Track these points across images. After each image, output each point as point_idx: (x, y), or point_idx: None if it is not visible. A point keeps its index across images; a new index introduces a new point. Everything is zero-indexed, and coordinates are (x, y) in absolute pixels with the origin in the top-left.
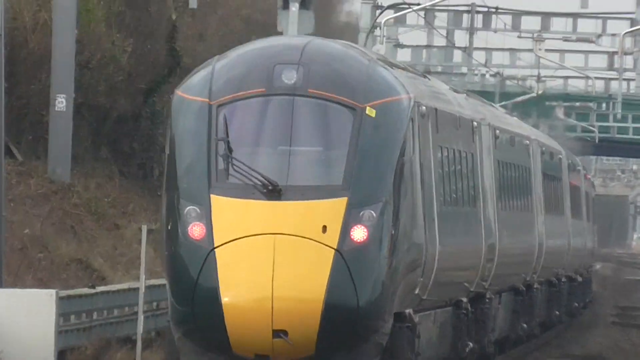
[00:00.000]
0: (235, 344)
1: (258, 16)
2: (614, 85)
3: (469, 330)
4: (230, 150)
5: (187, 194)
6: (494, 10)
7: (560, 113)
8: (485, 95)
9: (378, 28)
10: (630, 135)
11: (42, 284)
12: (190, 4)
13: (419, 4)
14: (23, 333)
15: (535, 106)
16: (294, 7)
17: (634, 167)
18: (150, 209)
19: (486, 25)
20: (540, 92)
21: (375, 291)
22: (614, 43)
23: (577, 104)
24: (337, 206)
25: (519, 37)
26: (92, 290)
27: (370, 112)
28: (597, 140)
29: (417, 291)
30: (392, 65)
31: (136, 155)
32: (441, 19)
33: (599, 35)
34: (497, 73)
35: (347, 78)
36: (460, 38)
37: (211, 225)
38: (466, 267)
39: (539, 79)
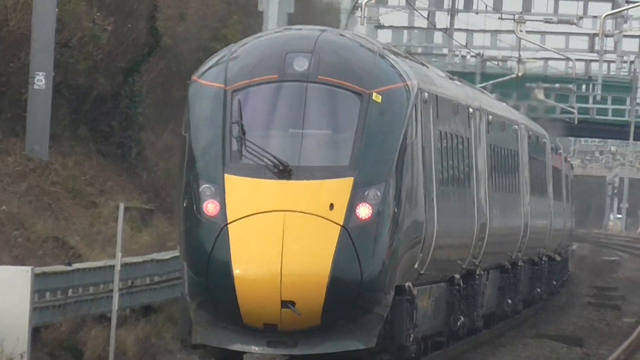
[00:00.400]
0: (246, 314)
1: None
2: (595, 67)
3: (460, 304)
4: (243, 132)
5: (203, 173)
6: None
7: (540, 94)
8: (466, 76)
9: (359, 9)
10: (610, 117)
11: (18, 261)
12: None
13: None
14: None
15: (515, 87)
16: None
17: (613, 148)
18: (128, 188)
19: (467, 7)
20: (520, 73)
21: (378, 265)
22: (594, 25)
23: (557, 85)
24: (343, 185)
25: (500, 18)
26: (68, 268)
27: (377, 97)
28: (576, 122)
29: (416, 266)
30: (397, 54)
31: (115, 134)
32: (422, 0)
33: (580, 17)
34: (478, 54)
35: (354, 66)
36: (442, 19)
37: (225, 202)
38: (460, 245)
39: (519, 60)
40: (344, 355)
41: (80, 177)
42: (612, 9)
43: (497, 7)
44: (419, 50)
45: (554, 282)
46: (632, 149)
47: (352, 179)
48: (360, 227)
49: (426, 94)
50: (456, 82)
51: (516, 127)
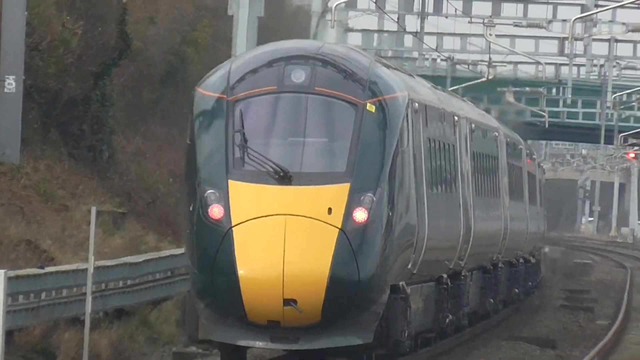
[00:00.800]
0: (250, 312)
1: None
2: (564, 70)
3: (448, 303)
4: (245, 140)
5: (207, 179)
6: None
7: (510, 98)
8: (437, 79)
9: (329, 12)
10: (580, 120)
11: None
12: None
13: None
14: None
15: (485, 91)
16: None
17: (584, 151)
18: (100, 191)
19: (437, 10)
20: (491, 77)
21: (374, 266)
22: (564, 29)
23: (527, 89)
24: (341, 191)
25: (470, 22)
26: (41, 271)
27: (371, 108)
28: (547, 125)
29: (409, 266)
30: (388, 66)
31: (86, 137)
32: (392, 4)
33: (550, 21)
34: (448, 58)
35: (349, 78)
36: (411, 23)
37: (229, 206)
38: (448, 247)
39: (489, 64)
40: (342, 350)
41: (51, 181)
42: (582, 12)
43: (467, 11)
44: (389, 53)
45: (530, 283)
46: (603, 152)
47: (348, 184)
48: (357, 230)
49: (416, 104)
50: (441, 91)
51: (496, 134)
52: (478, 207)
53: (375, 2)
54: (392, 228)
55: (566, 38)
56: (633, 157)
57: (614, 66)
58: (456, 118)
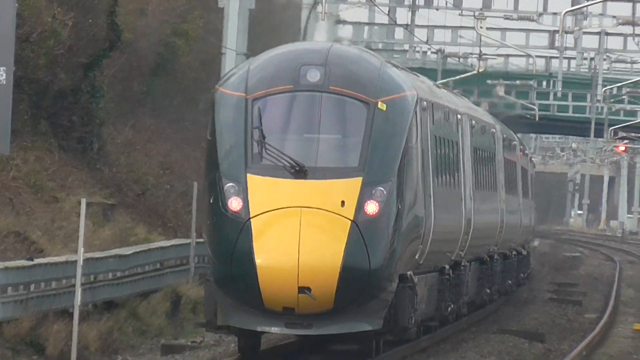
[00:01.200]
0: (267, 299)
1: None
2: (555, 63)
3: (449, 293)
4: (263, 136)
5: (227, 173)
6: None
7: (500, 91)
8: (427, 72)
9: (320, 4)
10: (570, 114)
11: None
12: None
13: None
14: None
15: (476, 84)
16: None
17: (574, 145)
18: (89, 183)
19: (428, 3)
20: (481, 70)
21: (384, 256)
22: (555, 22)
23: (518, 82)
24: (353, 184)
25: (461, 14)
26: (30, 263)
27: (382, 106)
28: (537, 118)
29: (416, 257)
30: (396, 66)
31: (76, 129)
32: None
33: (540, 14)
34: (439, 51)
35: (361, 77)
36: (402, 15)
37: (247, 199)
38: (451, 238)
39: (480, 56)
40: (353, 336)
41: (41, 172)
42: (572, 5)
43: (458, 4)
44: (380, 46)
45: (521, 275)
46: (592, 146)
47: (360, 178)
48: (369, 222)
49: (424, 102)
50: (444, 90)
51: (494, 130)
52: (477, 200)
53: None
54: (402, 220)
55: (557, 31)
56: (623, 151)
57: (605, 59)
58: (459, 116)
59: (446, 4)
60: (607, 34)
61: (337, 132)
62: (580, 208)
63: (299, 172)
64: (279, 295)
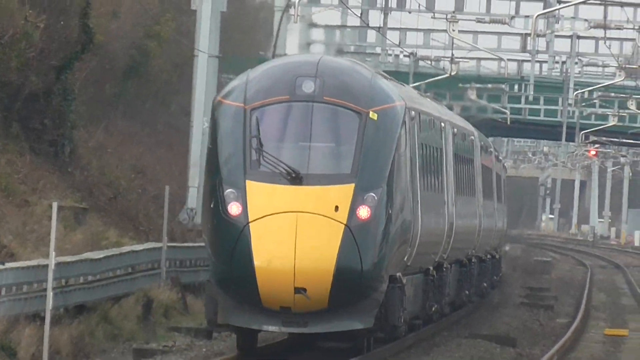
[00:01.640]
0: (265, 298)
1: None
2: (527, 67)
3: (433, 293)
4: (261, 145)
5: (227, 179)
6: None
7: (472, 94)
8: (399, 75)
9: (292, 7)
10: (542, 117)
11: None
12: None
13: None
14: None
15: (448, 87)
16: None
17: (545, 148)
18: (61, 186)
19: (400, 6)
20: (453, 73)
21: (375, 258)
22: (526, 25)
23: (490, 85)
24: (346, 190)
25: (433, 17)
26: (1, 267)
27: (373, 116)
28: (508, 122)
29: (405, 258)
30: (387, 78)
31: (47, 132)
32: None
33: (512, 17)
34: (411, 53)
35: (354, 88)
36: (375, 18)
37: (246, 204)
38: (435, 241)
39: (452, 60)
40: (346, 334)
41: (12, 175)
42: (544, 8)
43: (430, 6)
44: (352, 49)
45: (494, 277)
46: (564, 150)
47: (353, 185)
48: (361, 226)
49: (412, 112)
50: (427, 99)
51: (472, 137)
52: (459, 205)
53: None
54: (392, 224)
55: (529, 34)
56: (594, 155)
57: (576, 63)
58: (442, 124)
59: (419, 6)
60: (579, 37)
61: (331, 140)
62: (551, 212)
63: (295, 178)
64: (276, 295)
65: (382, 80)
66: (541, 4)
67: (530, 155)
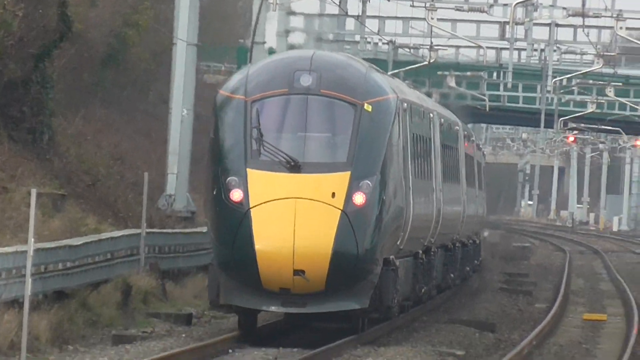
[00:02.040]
0: (265, 280)
1: None
2: (505, 54)
3: (422, 276)
4: (261, 135)
5: (229, 168)
6: None
7: (451, 82)
8: (379, 63)
9: None
10: (520, 104)
11: None
12: None
13: None
14: None
15: (427, 75)
16: None
17: (524, 135)
18: (39, 173)
19: None
20: (432, 61)
21: (370, 242)
22: (505, 13)
23: (468, 73)
24: (342, 178)
25: (412, 5)
26: None
27: (368, 107)
28: (487, 109)
29: (398, 242)
30: (380, 72)
31: (26, 119)
32: None
33: (491, 5)
34: (390, 41)
35: (349, 81)
36: (353, 6)
37: (247, 191)
38: (425, 226)
39: (431, 47)
40: (343, 314)
41: None
42: None
43: None
44: (331, 37)
45: (475, 262)
46: (542, 136)
47: (349, 172)
48: (357, 212)
49: (405, 104)
50: (416, 91)
51: (457, 127)
52: (445, 192)
53: None
54: (386, 210)
55: (507, 22)
56: (573, 141)
57: (555, 51)
58: (431, 115)
59: None
60: (557, 25)
61: (328, 130)
62: (530, 198)
63: (294, 166)
64: (276, 277)
65: (376, 73)
66: None
67: (509, 142)
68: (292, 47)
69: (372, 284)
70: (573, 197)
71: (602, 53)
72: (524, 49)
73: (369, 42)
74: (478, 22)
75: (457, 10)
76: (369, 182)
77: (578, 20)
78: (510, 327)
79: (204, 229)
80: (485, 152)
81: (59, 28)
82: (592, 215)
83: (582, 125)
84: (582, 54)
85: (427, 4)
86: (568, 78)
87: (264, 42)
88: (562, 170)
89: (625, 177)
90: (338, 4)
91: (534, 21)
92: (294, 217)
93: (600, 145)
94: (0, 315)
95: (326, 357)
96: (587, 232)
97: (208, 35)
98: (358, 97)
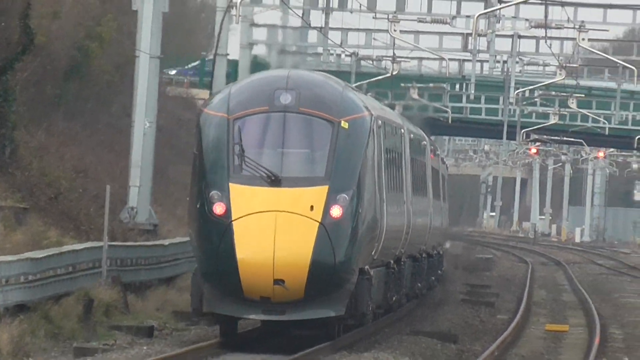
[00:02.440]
0: (246, 289)
1: None
2: (468, 66)
3: (394, 284)
4: (243, 151)
5: (212, 182)
6: None
7: (414, 94)
8: (341, 75)
9: (234, 7)
10: (483, 116)
11: None
12: None
13: None
14: None
15: (390, 87)
16: None
17: (486, 147)
18: (2, 186)
19: (342, 6)
20: (395, 72)
21: (347, 253)
22: (468, 24)
23: (431, 84)
24: (320, 192)
25: (375, 17)
26: None
27: (344, 124)
28: (450, 121)
29: (372, 253)
30: (356, 90)
31: None
32: None
33: (454, 17)
34: (353, 53)
35: (327, 100)
36: (316, 18)
37: (230, 204)
38: (396, 237)
39: (394, 59)
40: (320, 321)
41: None
42: (485, 8)
43: (371, 6)
44: (294, 48)
45: (439, 272)
46: (505, 148)
47: (327, 186)
48: (334, 224)
49: (379, 121)
50: (387, 108)
51: (424, 142)
52: (414, 204)
53: None
54: (361, 222)
55: (470, 34)
56: (535, 153)
57: (517, 62)
58: (402, 131)
59: (360, 7)
60: (520, 36)
61: (306, 146)
62: (492, 210)
63: (274, 181)
64: (257, 286)
65: (351, 92)
66: (482, 4)
67: (472, 154)
68: (255, 58)
69: (348, 292)
70: (535, 209)
71: (564, 64)
72: (487, 61)
73: (332, 54)
74: (441, 33)
75: (420, 22)
76: (345, 196)
77: (540, 32)
78: (472, 338)
79: (166, 242)
80: (447, 164)
81: (22, 40)
82: (554, 226)
83: (545, 136)
84: (545, 65)
85: (390, 16)
86: (530, 89)
87: (227, 54)
88: (524, 182)
89: (588, 189)
90: (301, 16)
91: (497, 33)
92: (274, 229)
93: (563, 157)
94: None
95: None
96: (550, 243)
97: (171, 48)
98: (335, 114)
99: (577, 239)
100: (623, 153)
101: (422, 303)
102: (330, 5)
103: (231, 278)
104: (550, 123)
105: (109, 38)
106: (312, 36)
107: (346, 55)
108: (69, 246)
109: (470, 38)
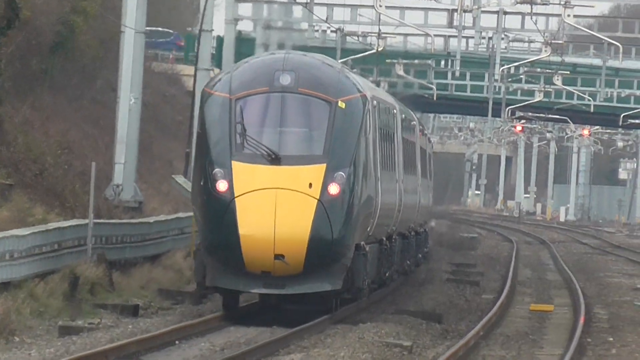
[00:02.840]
0: (248, 263)
1: None
2: (453, 42)
3: (386, 260)
4: (244, 130)
5: (215, 160)
6: None
7: (399, 70)
8: (327, 51)
9: None
10: (468, 93)
11: None
12: None
13: None
14: None
15: (375, 63)
16: None
17: (471, 124)
18: None
19: None
20: (380, 49)
21: (344, 229)
22: (453, 1)
23: (416, 61)
24: (319, 170)
25: None
26: None
27: (341, 104)
28: (435, 98)
29: (368, 229)
30: (352, 72)
31: None
32: None
33: None
34: (338, 29)
35: (324, 81)
36: None
37: (232, 182)
38: (389, 215)
39: (379, 35)
40: (318, 295)
41: None
42: None
43: None
44: (279, 24)
45: (425, 249)
46: (490, 126)
47: (325, 164)
48: (331, 201)
49: (374, 101)
50: (381, 88)
51: (414, 122)
52: (405, 182)
53: None
54: (358, 199)
55: (455, 10)
56: (520, 130)
57: (502, 38)
58: (394, 111)
59: None
60: (505, 13)
61: (305, 126)
62: (477, 188)
63: (274, 159)
64: (258, 261)
65: (348, 73)
66: None
67: (457, 131)
68: (239, 34)
69: (345, 267)
70: (520, 187)
71: (549, 41)
72: (472, 37)
73: (317, 30)
74: (426, 9)
75: None
76: (342, 174)
77: (526, 8)
78: (457, 318)
79: (151, 220)
80: (432, 142)
81: (7, 15)
82: (539, 205)
83: (530, 114)
84: (530, 41)
85: None
86: (516, 66)
87: (212, 30)
88: (509, 160)
89: (573, 167)
90: None
91: (482, 9)
92: (274, 206)
93: (548, 135)
94: None
95: (269, 351)
96: (534, 222)
97: (156, 23)
98: (332, 95)
99: (562, 218)
100: (608, 131)
101: (406, 282)
102: None
103: (234, 252)
104: (535, 100)
105: (94, 13)
106: (297, 11)
107: (331, 31)
108: (54, 223)
109: (455, 14)
